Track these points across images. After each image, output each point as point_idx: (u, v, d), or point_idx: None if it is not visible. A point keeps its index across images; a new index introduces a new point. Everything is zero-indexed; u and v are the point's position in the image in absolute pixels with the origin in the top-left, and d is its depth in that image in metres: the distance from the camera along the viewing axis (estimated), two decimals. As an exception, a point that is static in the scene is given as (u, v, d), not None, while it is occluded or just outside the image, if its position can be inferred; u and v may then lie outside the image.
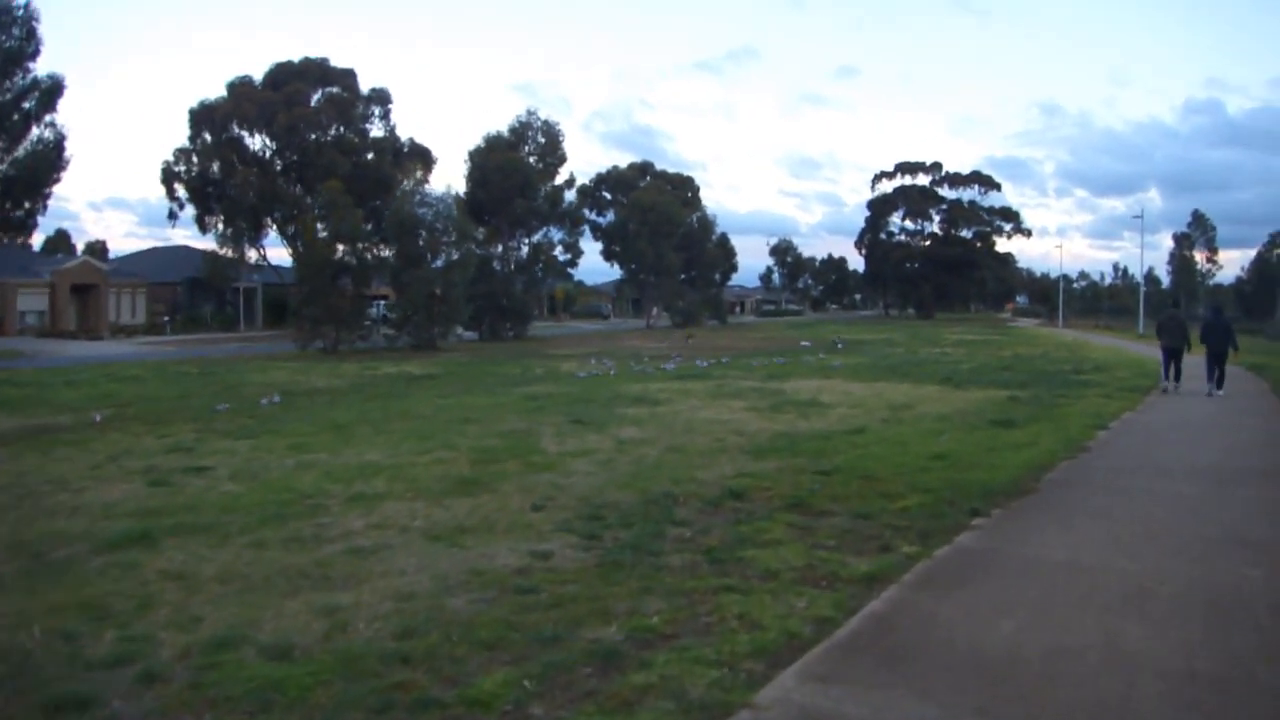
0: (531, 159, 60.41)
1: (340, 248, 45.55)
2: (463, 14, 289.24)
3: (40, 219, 49.70)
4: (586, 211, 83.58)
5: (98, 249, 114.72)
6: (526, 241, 61.68)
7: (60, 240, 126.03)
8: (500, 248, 60.32)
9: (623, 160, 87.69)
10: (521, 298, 59.14)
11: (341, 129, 66.03)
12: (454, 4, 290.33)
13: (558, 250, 63.99)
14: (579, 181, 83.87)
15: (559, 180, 61.90)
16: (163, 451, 15.01)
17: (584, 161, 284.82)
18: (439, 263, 47.81)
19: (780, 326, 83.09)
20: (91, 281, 63.84)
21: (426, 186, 53.02)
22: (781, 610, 6.95)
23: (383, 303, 68.59)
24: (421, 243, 46.50)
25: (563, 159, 61.57)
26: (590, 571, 8.00)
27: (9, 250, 63.66)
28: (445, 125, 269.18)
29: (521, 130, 60.78)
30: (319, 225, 45.22)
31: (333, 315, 43.95)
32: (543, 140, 60.83)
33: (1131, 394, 23.34)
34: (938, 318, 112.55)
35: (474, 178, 59.60)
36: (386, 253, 49.32)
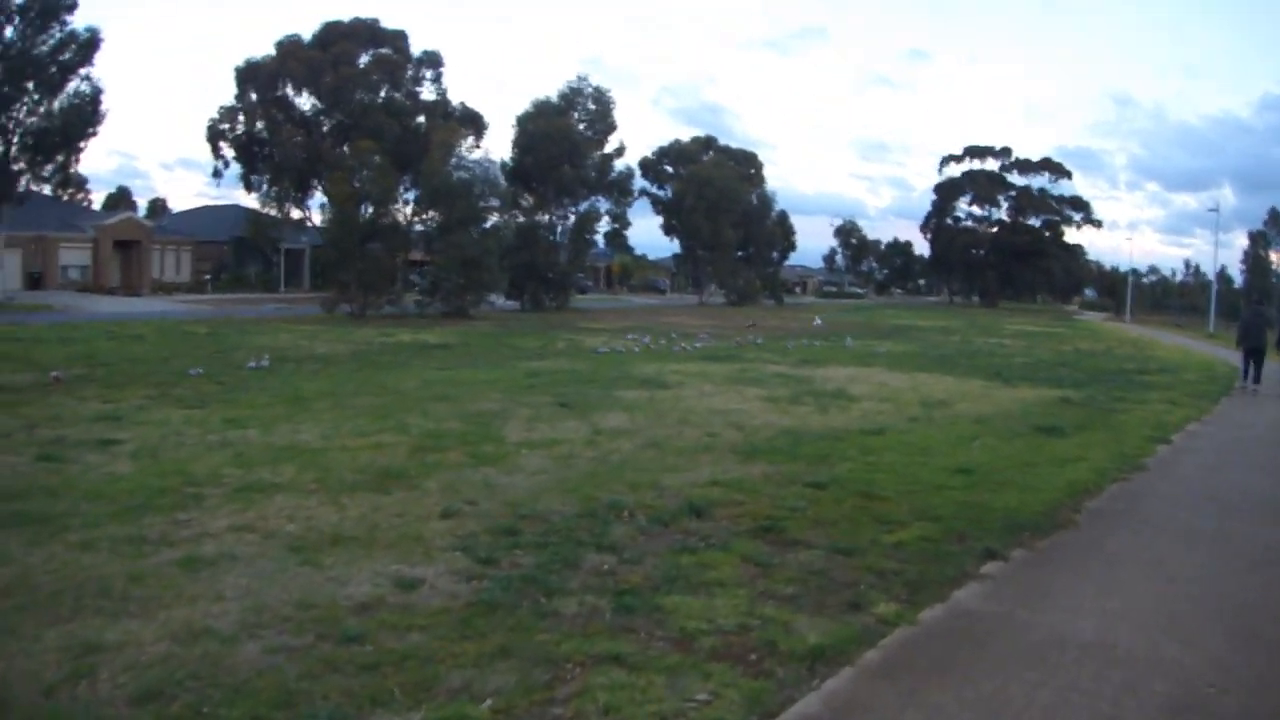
0: (581, 126, 58.15)
1: (371, 210, 43.68)
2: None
3: (74, 171, 48.30)
4: (648, 184, 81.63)
5: (158, 207, 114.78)
6: (573, 211, 59.47)
7: (121, 197, 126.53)
8: (546, 216, 58.19)
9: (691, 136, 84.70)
10: (565, 268, 57.04)
11: (390, 91, 64.33)
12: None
13: (604, 220, 61.74)
14: (644, 155, 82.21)
15: (609, 149, 59.61)
16: (90, 419, 13.44)
17: (653, 137, 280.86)
18: (479, 229, 45.85)
19: (837, 309, 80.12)
20: (135, 238, 63.34)
21: (465, 149, 51.11)
22: (669, 706, 4.87)
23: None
24: (457, 207, 44.50)
25: (612, 127, 59.22)
26: (453, 614, 6.19)
27: (54, 204, 63.18)
28: (508, 95, 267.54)
29: (571, 97, 58.49)
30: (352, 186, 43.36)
31: (361, 279, 42.23)
32: (593, 107, 58.48)
33: (1200, 400, 20.79)
34: (1002, 307, 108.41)
35: (521, 144, 57.51)
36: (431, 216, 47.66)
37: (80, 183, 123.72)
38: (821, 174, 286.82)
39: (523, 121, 57.60)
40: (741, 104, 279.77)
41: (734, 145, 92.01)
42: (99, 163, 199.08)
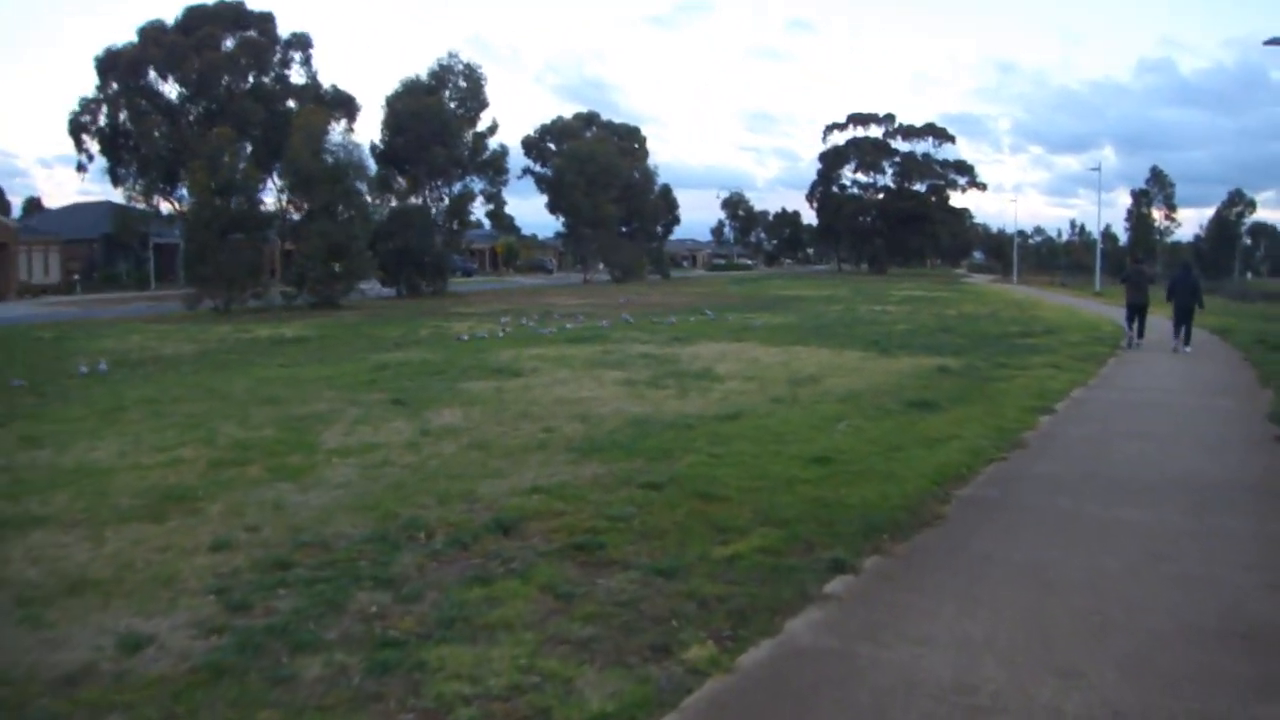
0: (452, 105, 56.00)
1: (233, 200, 41.34)
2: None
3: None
4: (531, 163, 79.75)
5: (33, 206, 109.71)
6: (447, 192, 57.37)
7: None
8: (419, 199, 56.07)
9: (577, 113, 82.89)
10: (441, 251, 54.96)
11: (259, 76, 61.65)
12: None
13: (480, 201, 59.73)
14: (526, 134, 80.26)
15: (481, 127, 57.48)
16: None
17: (538, 115, 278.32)
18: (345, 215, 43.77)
19: (724, 282, 79.29)
20: (0, 240, 59.77)
21: (338, 133, 48.94)
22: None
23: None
24: (321, 193, 42.38)
25: (484, 104, 56.94)
26: (169, 685, 5.03)
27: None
28: (385, 77, 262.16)
29: (442, 75, 56.09)
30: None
31: (223, 273, 39.88)
32: (464, 85, 56.19)
33: (1085, 363, 19.93)
34: (890, 273, 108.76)
35: (390, 125, 55.13)
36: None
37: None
38: (709, 148, 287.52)
39: (391, 101, 55.34)
40: (627, 80, 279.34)
41: (619, 121, 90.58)
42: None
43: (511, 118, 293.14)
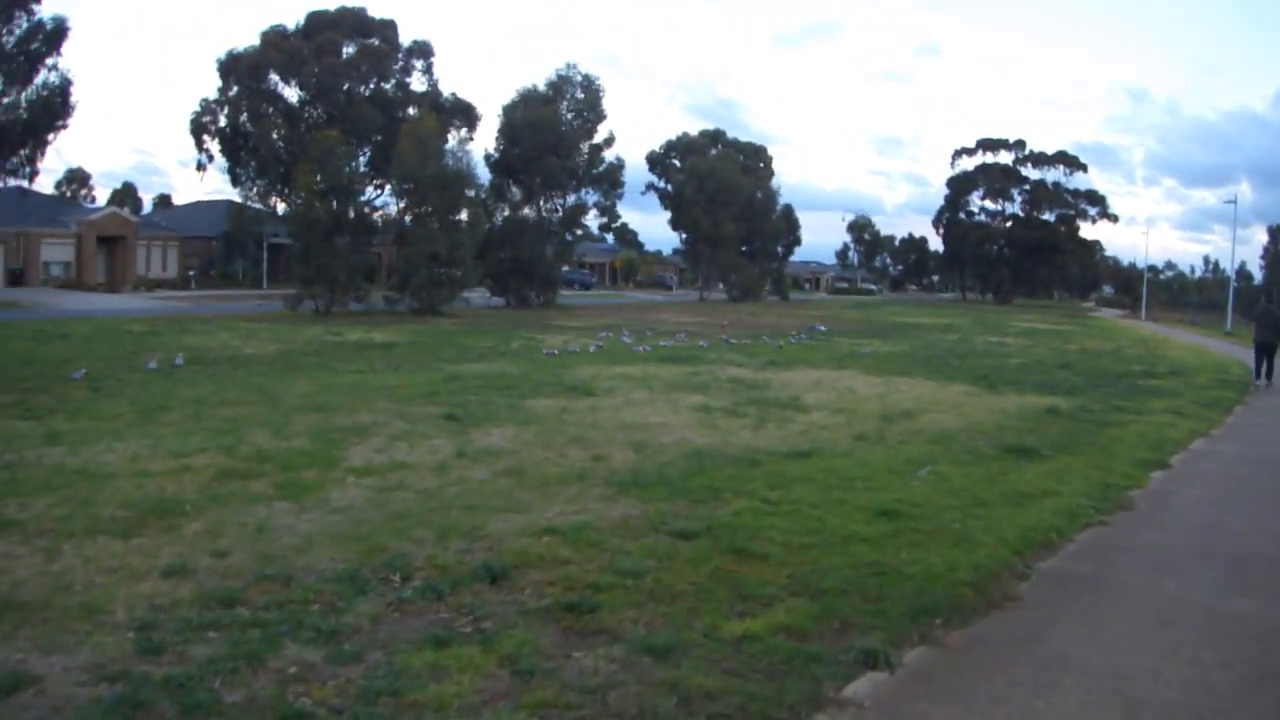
0: (569, 116, 55.48)
1: (338, 202, 41.29)
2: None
3: (40, 165, 46.19)
4: (655, 179, 78.90)
5: (163, 203, 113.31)
6: (561, 204, 56.82)
7: (126, 193, 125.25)
8: (532, 210, 55.61)
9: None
10: (551, 263, 54.34)
11: (378, 82, 62.07)
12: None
13: (592, 214, 59.00)
14: (651, 149, 79.56)
15: (598, 139, 56.82)
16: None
17: (667, 133, 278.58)
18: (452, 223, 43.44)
19: (843, 306, 77.15)
20: (120, 233, 61.35)
21: (456, 140, 48.73)
22: None
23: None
24: (427, 200, 42.10)
25: (602, 116, 56.19)
26: None
27: (42, 199, 61.41)
28: (511, 88, 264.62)
29: (559, 85, 55.59)
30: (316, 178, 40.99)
31: (324, 275, 39.81)
32: (581, 96, 55.63)
33: (1210, 409, 18.00)
34: (1016, 304, 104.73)
35: (506, 134, 54.86)
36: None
37: (84, 179, 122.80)
38: (838, 170, 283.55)
39: (508, 111, 55.06)
40: (756, 100, 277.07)
41: (749, 141, 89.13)
42: (118, 159, 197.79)
43: (643, 135, 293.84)
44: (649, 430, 12.81)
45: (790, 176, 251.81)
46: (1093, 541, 8.20)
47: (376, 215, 45.86)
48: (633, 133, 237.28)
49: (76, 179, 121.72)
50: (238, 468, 9.91)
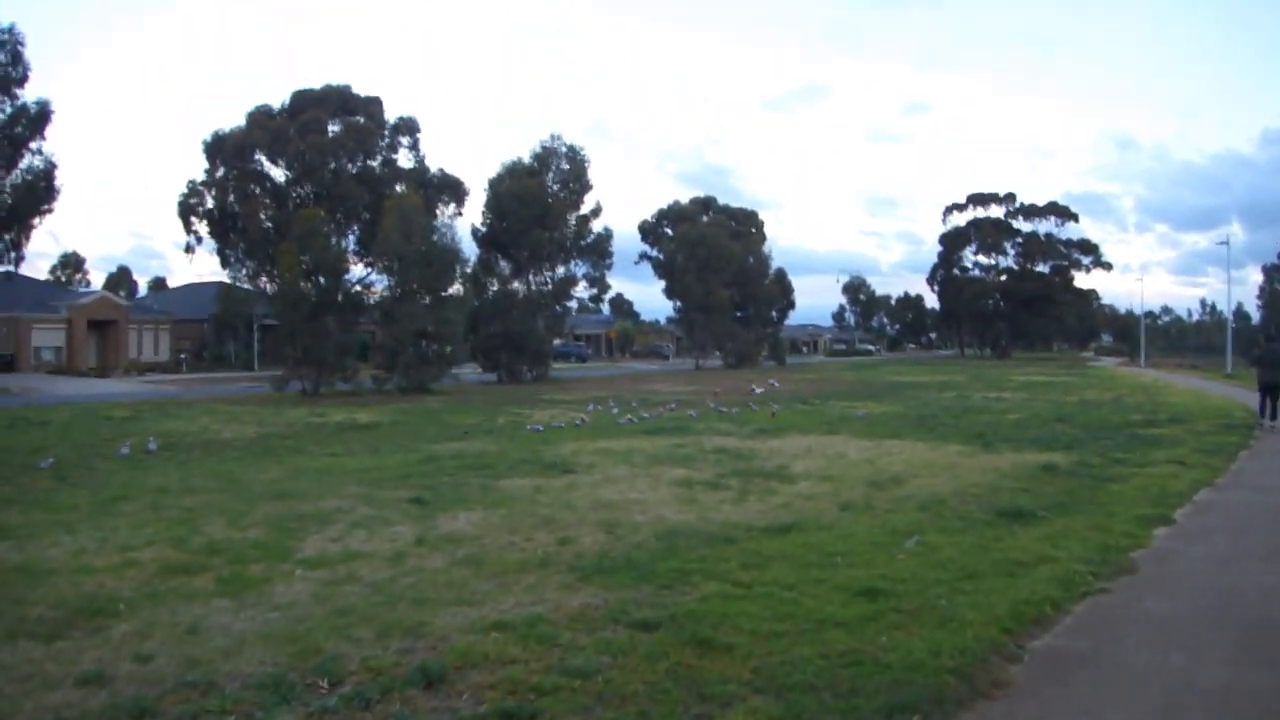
0: (555, 187, 55.37)
1: (323, 281, 40.95)
2: (533, 54, 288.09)
3: (25, 250, 45.91)
4: (648, 248, 78.72)
5: (158, 286, 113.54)
6: (550, 277, 56.51)
7: (121, 277, 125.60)
8: (521, 283, 55.28)
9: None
10: (541, 336, 53.89)
11: (364, 160, 62.01)
12: (523, 46, 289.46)
13: (582, 285, 58.71)
14: (643, 219, 79.51)
15: (585, 209, 56.65)
16: None
17: (659, 202, 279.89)
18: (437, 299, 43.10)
19: (840, 368, 76.61)
20: (111, 317, 61.33)
21: (446, 217, 48.51)
22: None
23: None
24: (411, 277, 41.80)
25: (588, 186, 56.00)
26: None
27: (31, 284, 61.34)
28: (498, 161, 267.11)
29: (545, 157, 55.52)
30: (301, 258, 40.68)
31: (310, 355, 39.32)
32: (567, 167, 55.63)
33: (1214, 456, 17.39)
34: (1015, 357, 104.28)
35: (492, 207, 54.75)
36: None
37: (78, 263, 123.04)
38: (831, 232, 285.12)
39: (494, 184, 54.96)
40: (746, 165, 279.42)
41: (740, 206, 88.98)
42: (116, 243, 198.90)
43: (634, 204, 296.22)
44: (624, 508, 12.19)
45: (784, 240, 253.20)
46: (1091, 613, 7.56)
47: (363, 293, 45.41)
48: (624, 202, 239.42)
49: (71, 264, 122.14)
50: (184, 561, 9.35)
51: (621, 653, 6.45)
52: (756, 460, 17.03)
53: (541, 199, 52.73)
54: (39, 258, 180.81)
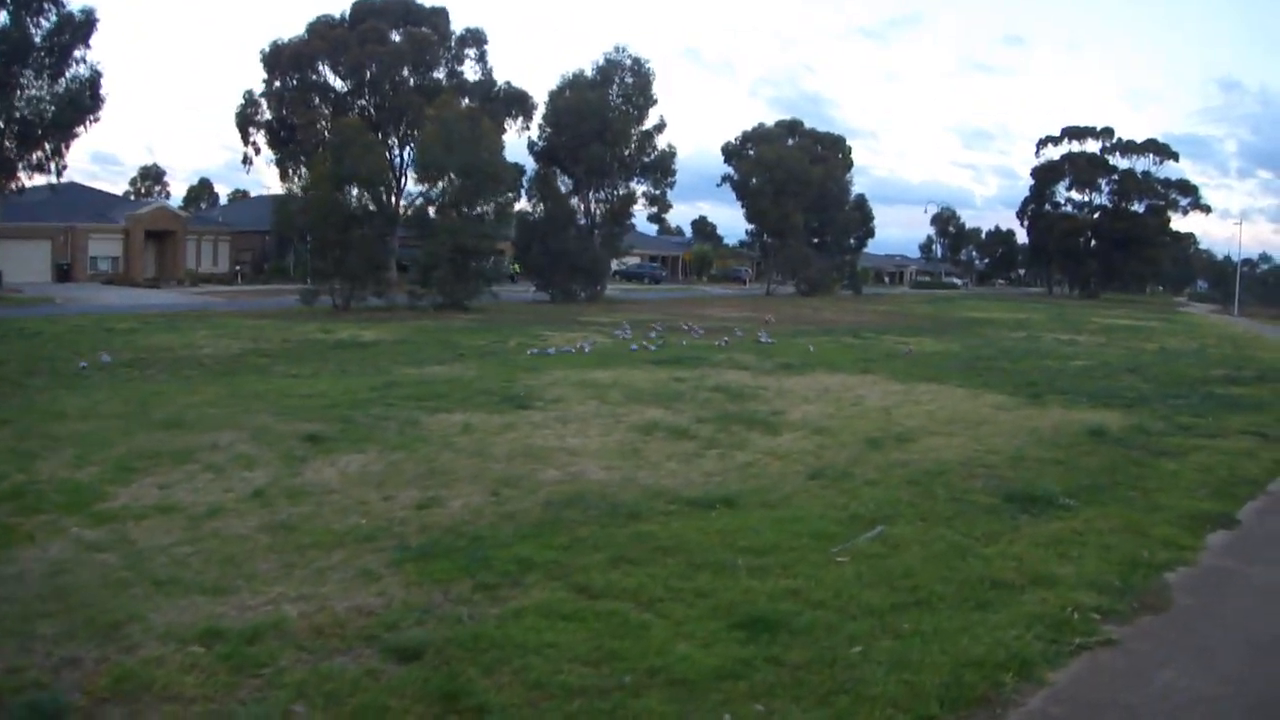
0: (618, 101, 52.36)
1: (356, 192, 38.87)
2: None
3: (65, 162, 44.53)
4: (732, 170, 75.42)
5: (238, 196, 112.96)
6: (611, 194, 53.76)
7: (203, 190, 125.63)
8: (579, 201, 52.74)
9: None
10: (597, 255, 51.25)
11: (426, 72, 59.79)
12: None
13: (640, 204, 55.80)
14: (727, 140, 76.38)
15: (648, 125, 53.57)
16: None
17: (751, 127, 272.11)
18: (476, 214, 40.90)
19: (917, 301, 72.69)
20: (169, 228, 60.02)
21: (516, 131, 46.10)
22: None
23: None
24: (450, 190, 39.61)
25: (652, 101, 52.54)
26: None
27: (87, 195, 60.51)
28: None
29: (608, 70, 52.33)
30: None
31: (340, 269, 37.38)
32: (630, 81, 52.56)
33: (1305, 428, 14.29)
34: (1104, 299, 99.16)
35: (550, 121, 52.15)
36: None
37: (158, 174, 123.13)
38: (927, 164, 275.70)
39: (554, 98, 52.27)
40: (841, 94, 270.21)
41: (832, 132, 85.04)
42: (210, 157, 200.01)
43: (724, 131, 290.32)
44: (544, 459, 9.94)
45: (878, 170, 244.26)
46: (1076, 687, 4.98)
47: (406, 207, 43.44)
48: (715, 128, 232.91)
49: (150, 175, 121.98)
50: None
51: (330, 699, 4.21)
52: (754, 403, 14.59)
53: (600, 113, 49.82)
54: (123, 168, 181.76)
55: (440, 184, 41.44)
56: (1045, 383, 18.59)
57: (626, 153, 52.57)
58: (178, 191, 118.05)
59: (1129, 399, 16.65)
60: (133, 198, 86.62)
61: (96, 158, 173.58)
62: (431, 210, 43.02)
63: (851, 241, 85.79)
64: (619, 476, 9.22)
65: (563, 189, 52.98)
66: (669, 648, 4.98)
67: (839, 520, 7.72)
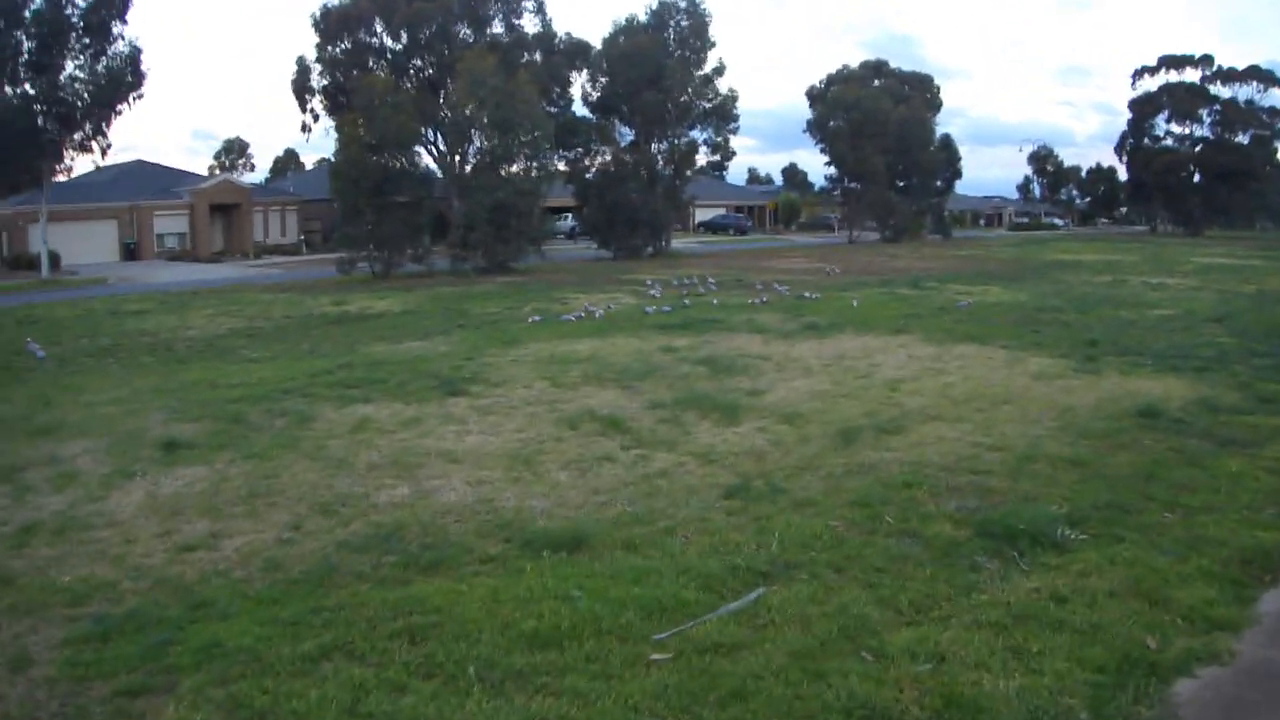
0: (672, 45, 49.71)
1: (386, 155, 37.06)
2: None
3: (107, 140, 43.71)
4: (814, 115, 72.40)
5: (320, 165, 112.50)
6: (671, 143, 51.22)
7: (289, 159, 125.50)
8: (634, 154, 50.29)
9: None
10: (658, 209, 48.79)
11: (480, 27, 57.52)
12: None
13: (702, 152, 53.08)
14: (811, 84, 73.36)
15: (706, 69, 50.83)
16: None
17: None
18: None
19: (1005, 244, 68.73)
20: (234, 201, 59.13)
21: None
22: None
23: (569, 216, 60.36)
24: (487, 147, 37.66)
25: (710, 44, 49.63)
26: None
27: (153, 171, 60.21)
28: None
29: (662, 13, 49.84)
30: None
31: (375, 235, 35.71)
32: (686, 24, 49.91)
33: None
34: (1209, 236, 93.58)
35: (605, 71, 49.80)
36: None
37: (242, 148, 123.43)
38: (1024, 103, 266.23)
39: (607, 45, 49.92)
40: (932, 34, 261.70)
41: (914, 71, 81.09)
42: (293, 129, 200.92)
43: (809, 76, 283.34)
44: (412, 469, 8.16)
45: (974, 111, 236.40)
46: None
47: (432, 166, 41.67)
48: (800, 74, 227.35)
49: (235, 149, 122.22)
50: None
51: None
52: (738, 378, 12.48)
53: (655, 58, 47.28)
54: (207, 142, 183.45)
55: (477, 142, 39.54)
56: (1109, 340, 15.93)
57: (684, 99, 49.99)
58: (264, 164, 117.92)
59: (1204, 359, 13.91)
60: (218, 172, 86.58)
61: (197, 134, 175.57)
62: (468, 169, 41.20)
63: (939, 184, 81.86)
64: (479, 496, 7.21)
65: (621, 141, 50.76)
66: None
67: (712, 575, 5.52)
